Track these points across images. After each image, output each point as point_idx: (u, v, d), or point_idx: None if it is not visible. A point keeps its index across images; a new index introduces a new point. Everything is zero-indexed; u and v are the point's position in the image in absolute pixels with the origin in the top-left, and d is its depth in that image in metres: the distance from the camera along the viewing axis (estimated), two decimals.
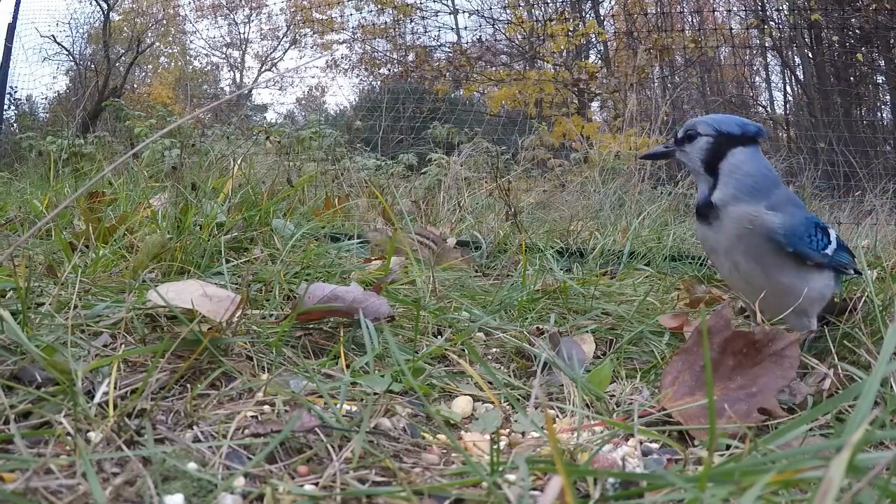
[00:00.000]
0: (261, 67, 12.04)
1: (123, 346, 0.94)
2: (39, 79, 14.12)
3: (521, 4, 7.96)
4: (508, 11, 8.30)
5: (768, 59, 8.92)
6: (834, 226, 3.79)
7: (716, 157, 1.15)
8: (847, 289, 1.46)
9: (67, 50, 9.11)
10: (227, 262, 1.39)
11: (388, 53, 8.84)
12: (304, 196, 3.13)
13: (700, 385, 0.90)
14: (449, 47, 8.61)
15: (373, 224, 2.45)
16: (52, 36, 8.58)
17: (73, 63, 9.34)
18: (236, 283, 1.29)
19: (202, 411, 0.78)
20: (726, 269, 1.19)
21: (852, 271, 1.27)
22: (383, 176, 4.47)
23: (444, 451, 0.77)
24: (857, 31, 7.60)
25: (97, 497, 0.56)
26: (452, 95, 8.09)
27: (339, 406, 0.80)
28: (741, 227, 1.13)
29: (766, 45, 8.45)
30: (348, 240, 1.94)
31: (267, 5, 9.97)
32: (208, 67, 12.83)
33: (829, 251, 1.18)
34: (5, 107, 7.07)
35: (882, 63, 7.87)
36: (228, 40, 11.73)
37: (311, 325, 1.13)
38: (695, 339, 0.96)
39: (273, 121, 9.37)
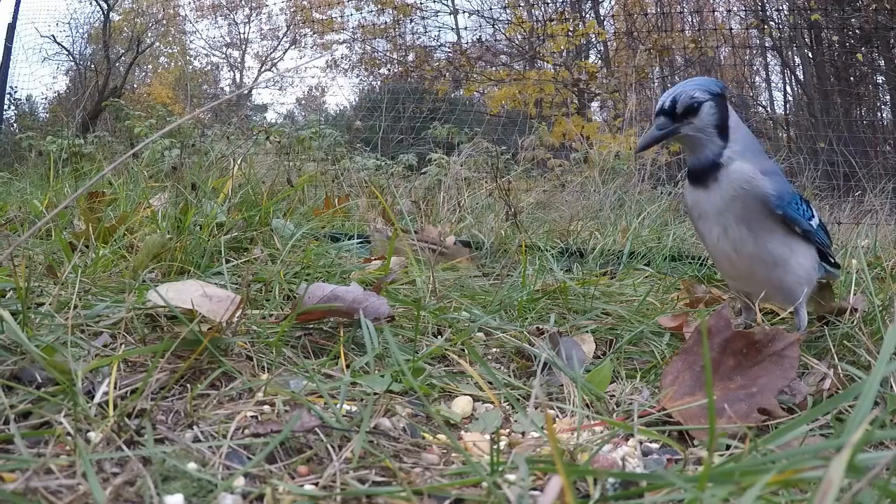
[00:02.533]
0: (261, 67, 12.04)
1: (123, 346, 0.94)
2: (39, 79, 14.13)
3: (521, 4, 7.95)
4: (508, 11, 8.30)
5: (768, 59, 8.92)
6: (834, 224, 3.80)
7: (722, 118, 1.14)
8: (847, 289, 1.46)
9: (67, 50, 9.11)
10: (227, 262, 1.39)
11: (388, 53, 8.84)
12: (304, 196, 3.13)
13: (700, 385, 0.90)
14: (449, 47, 8.61)
15: (373, 224, 2.45)
16: (52, 36, 8.59)
17: (73, 63, 9.34)
18: (236, 283, 1.29)
19: (202, 411, 0.78)
20: (714, 236, 1.18)
21: (832, 261, 1.27)
22: (383, 176, 4.47)
23: (444, 451, 0.77)
24: (857, 31, 7.60)
25: (97, 497, 0.56)
26: (452, 95, 8.09)
27: (339, 406, 0.80)
28: (738, 188, 1.13)
29: (766, 45, 8.45)
30: (348, 240, 1.94)
31: (267, 5, 9.97)
32: (208, 67, 12.82)
33: (813, 223, 1.19)
34: (5, 107, 7.08)
35: (882, 63, 7.87)
36: (228, 40, 11.73)
37: (311, 325, 1.13)
38: (695, 339, 0.96)
39: (273, 121, 9.36)
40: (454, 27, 8.90)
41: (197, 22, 10.71)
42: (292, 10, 9.36)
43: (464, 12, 9.24)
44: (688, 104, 1.12)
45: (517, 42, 8.44)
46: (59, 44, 8.82)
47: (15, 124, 7.94)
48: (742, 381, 0.90)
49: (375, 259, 1.78)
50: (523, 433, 0.82)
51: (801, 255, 1.18)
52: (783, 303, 1.21)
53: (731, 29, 7.38)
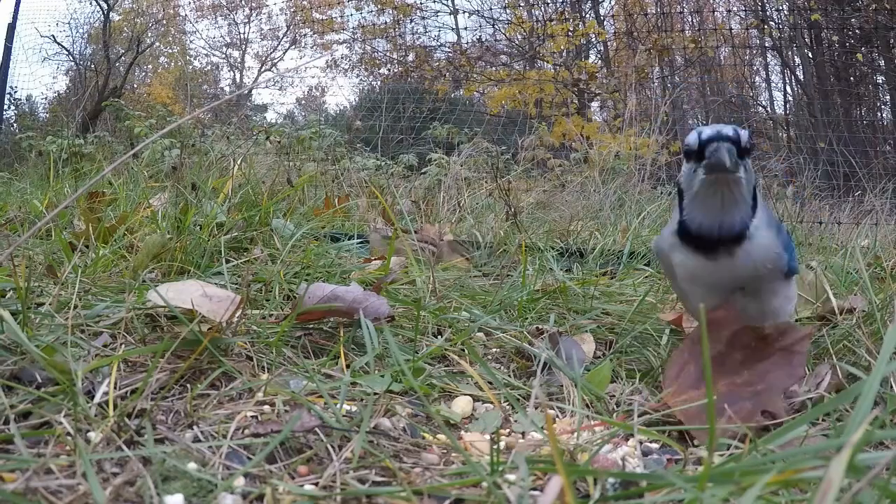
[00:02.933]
0: (261, 67, 12.05)
1: (123, 346, 0.94)
2: (39, 79, 14.15)
3: (521, 4, 7.96)
4: (508, 11, 8.30)
5: (768, 59, 8.93)
6: (834, 224, 3.80)
7: (754, 176, 0.92)
8: (847, 288, 1.46)
9: (67, 50, 9.11)
10: (227, 262, 1.39)
11: (388, 53, 8.84)
12: (304, 196, 3.13)
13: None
14: (449, 47, 8.62)
15: (373, 224, 2.45)
16: (52, 36, 8.59)
17: (73, 63, 9.34)
18: (236, 283, 1.29)
19: (202, 411, 0.78)
20: (702, 302, 0.91)
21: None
22: (383, 176, 4.47)
23: (444, 451, 0.77)
24: (857, 31, 7.60)
25: (97, 497, 0.56)
26: (452, 95, 8.09)
27: (339, 406, 0.80)
28: (760, 266, 0.91)
29: (766, 45, 8.46)
30: (348, 240, 1.94)
31: (267, 5, 9.97)
32: (208, 67, 12.83)
33: (794, 253, 1.02)
34: (5, 107, 7.07)
35: (882, 63, 7.87)
36: (228, 40, 11.74)
37: (311, 325, 1.13)
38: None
39: (273, 121, 9.35)
40: (454, 27, 8.91)
41: (197, 22, 10.71)
42: (292, 10, 9.37)
43: (464, 12, 9.26)
44: (748, 142, 0.88)
45: (517, 42, 8.44)
46: (59, 44, 8.83)
47: (15, 124, 7.93)
48: (749, 376, 0.88)
49: (375, 259, 1.78)
50: (523, 433, 0.82)
51: (791, 296, 1.02)
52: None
53: (731, 29, 7.39)
